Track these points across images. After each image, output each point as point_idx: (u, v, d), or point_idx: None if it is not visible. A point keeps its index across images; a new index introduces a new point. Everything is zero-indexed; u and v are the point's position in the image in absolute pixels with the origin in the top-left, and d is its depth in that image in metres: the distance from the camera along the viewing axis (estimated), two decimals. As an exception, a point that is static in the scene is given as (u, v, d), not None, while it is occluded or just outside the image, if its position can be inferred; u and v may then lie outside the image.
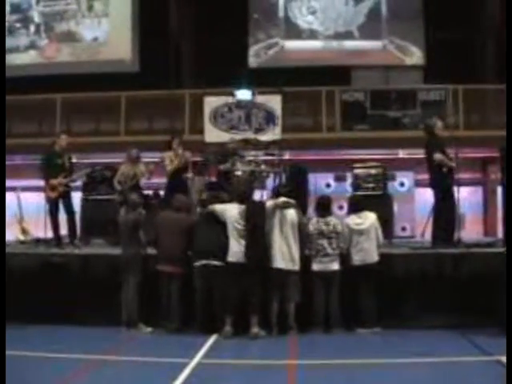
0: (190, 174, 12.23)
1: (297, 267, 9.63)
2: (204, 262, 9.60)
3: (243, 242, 9.47)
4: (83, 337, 9.55)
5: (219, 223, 9.75)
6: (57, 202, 12.01)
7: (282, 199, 9.87)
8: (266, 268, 9.54)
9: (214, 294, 9.57)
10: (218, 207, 9.85)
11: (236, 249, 9.49)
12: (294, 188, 11.22)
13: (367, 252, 9.85)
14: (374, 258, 9.87)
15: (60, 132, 14.00)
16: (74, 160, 12.69)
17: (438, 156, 10.80)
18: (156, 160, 12.65)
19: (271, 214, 9.71)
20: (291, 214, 9.80)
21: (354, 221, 10.05)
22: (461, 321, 9.64)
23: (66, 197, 12.08)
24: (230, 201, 10.05)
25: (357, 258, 9.86)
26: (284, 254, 9.58)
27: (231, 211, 9.68)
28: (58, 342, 9.24)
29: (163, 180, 12.56)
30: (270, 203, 9.89)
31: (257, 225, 9.57)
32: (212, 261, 9.57)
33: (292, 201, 9.91)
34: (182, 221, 10.14)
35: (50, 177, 11.95)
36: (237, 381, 7.45)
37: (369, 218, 10.06)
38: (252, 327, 9.34)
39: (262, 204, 10.04)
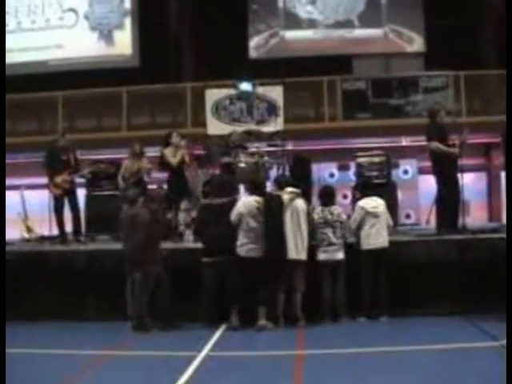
0: (190, 169, 12.21)
1: (305, 256, 9.65)
2: (213, 258, 9.61)
3: (252, 236, 9.43)
4: (90, 332, 9.61)
5: (225, 216, 9.69)
6: (62, 198, 12.02)
7: (290, 189, 9.86)
8: (284, 261, 9.52)
9: (224, 286, 9.59)
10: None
11: (246, 242, 9.45)
12: (297, 178, 11.22)
13: (380, 235, 9.88)
14: (385, 242, 9.91)
15: (64, 130, 13.98)
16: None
17: (433, 145, 10.82)
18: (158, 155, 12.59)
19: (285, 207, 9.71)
20: (300, 203, 9.81)
21: (369, 204, 10.06)
22: (467, 307, 9.65)
23: (71, 194, 12.09)
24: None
25: (369, 242, 9.87)
26: (297, 245, 9.58)
27: (246, 206, 9.59)
28: (66, 337, 9.29)
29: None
30: (286, 197, 9.80)
31: (276, 220, 9.53)
32: (221, 257, 9.57)
33: (298, 190, 9.92)
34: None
35: (55, 173, 11.95)
36: (244, 373, 7.44)
37: (381, 204, 10.10)
38: (259, 319, 9.34)
39: (279, 198, 9.81)
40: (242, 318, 9.44)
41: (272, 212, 9.54)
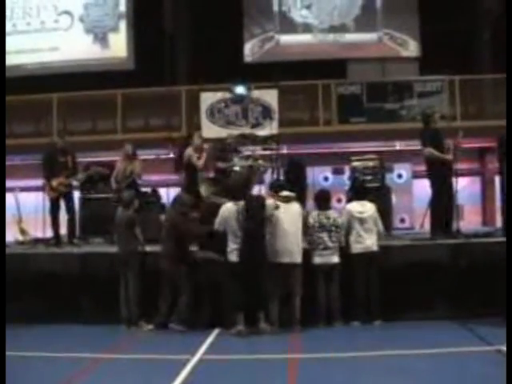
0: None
1: (300, 260, 9.61)
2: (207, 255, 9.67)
3: (239, 241, 9.35)
4: (85, 335, 9.57)
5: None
6: (58, 201, 11.98)
7: (285, 193, 9.85)
8: (271, 264, 9.45)
9: (218, 289, 9.58)
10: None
11: (236, 248, 9.35)
12: (292, 182, 11.23)
13: (367, 239, 9.84)
14: (373, 246, 9.87)
15: (61, 132, 13.91)
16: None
17: (427, 151, 10.85)
18: (153, 157, 12.55)
19: (274, 211, 9.64)
20: (296, 207, 9.81)
21: (356, 208, 10.04)
22: (461, 311, 9.66)
23: (67, 196, 12.04)
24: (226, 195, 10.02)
25: (357, 246, 9.85)
26: (294, 248, 9.55)
27: (228, 211, 9.52)
28: (60, 341, 9.24)
29: (162, 177, 12.48)
30: (270, 201, 9.74)
31: (257, 223, 9.44)
32: (214, 255, 9.62)
33: (293, 194, 9.91)
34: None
35: (52, 175, 11.88)
36: (238, 376, 7.43)
37: (370, 208, 10.09)
38: (260, 322, 9.28)
39: (262, 201, 9.78)
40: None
41: (250, 213, 9.41)
